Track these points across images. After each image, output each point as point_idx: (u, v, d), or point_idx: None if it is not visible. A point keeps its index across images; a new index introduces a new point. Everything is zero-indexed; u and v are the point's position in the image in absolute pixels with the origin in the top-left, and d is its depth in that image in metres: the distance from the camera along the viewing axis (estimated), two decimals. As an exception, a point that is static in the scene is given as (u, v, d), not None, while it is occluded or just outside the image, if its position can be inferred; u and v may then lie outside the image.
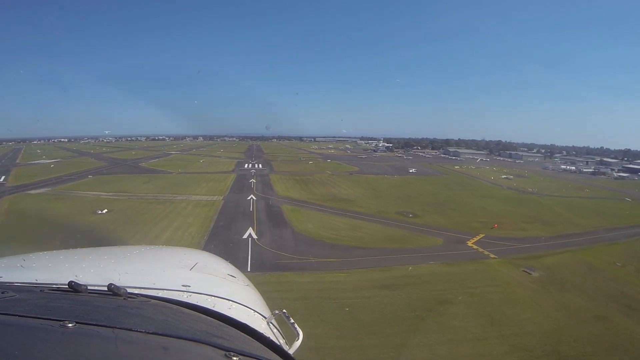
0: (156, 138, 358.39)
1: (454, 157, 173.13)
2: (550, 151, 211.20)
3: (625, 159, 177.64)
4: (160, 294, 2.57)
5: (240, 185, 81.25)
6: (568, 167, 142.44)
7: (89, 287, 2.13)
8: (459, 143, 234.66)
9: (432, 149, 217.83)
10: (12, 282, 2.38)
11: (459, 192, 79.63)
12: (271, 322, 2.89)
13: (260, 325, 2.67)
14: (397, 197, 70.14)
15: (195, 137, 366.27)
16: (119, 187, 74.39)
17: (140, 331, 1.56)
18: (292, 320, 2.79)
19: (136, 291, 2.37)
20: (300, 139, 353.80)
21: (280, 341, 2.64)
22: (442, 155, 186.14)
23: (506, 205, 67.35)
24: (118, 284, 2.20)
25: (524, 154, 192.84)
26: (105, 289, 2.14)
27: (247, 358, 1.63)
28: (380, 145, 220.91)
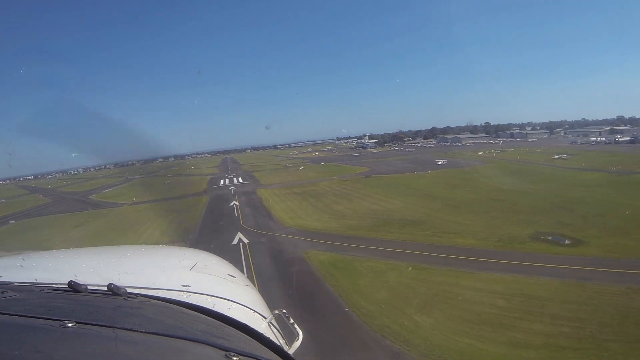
0: (126, 164, 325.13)
1: (457, 144, 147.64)
2: (549, 127, 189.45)
3: (628, 125, 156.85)
4: (160, 294, 2.40)
5: (218, 214, 49.85)
6: (599, 138, 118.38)
7: (88, 287, 2.02)
8: (447, 130, 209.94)
9: (425, 138, 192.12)
10: (12, 282, 2.25)
11: (548, 184, 51.19)
12: (271, 323, 2.73)
13: (260, 325, 2.53)
14: (482, 204, 40.74)
15: (167, 158, 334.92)
16: (32, 240, 46.66)
17: (140, 331, 1.49)
18: (292, 321, 2.68)
19: (136, 291, 2.22)
20: (275, 146, 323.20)
21: (280, 341, 2.51)
22: (442, 143, 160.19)
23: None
24: (118, 283, 2.08)
25: (528, 132, 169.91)
26: (105, 288, 2.03)
27: (247, 358, 1.56)
28: (367, 141, 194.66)
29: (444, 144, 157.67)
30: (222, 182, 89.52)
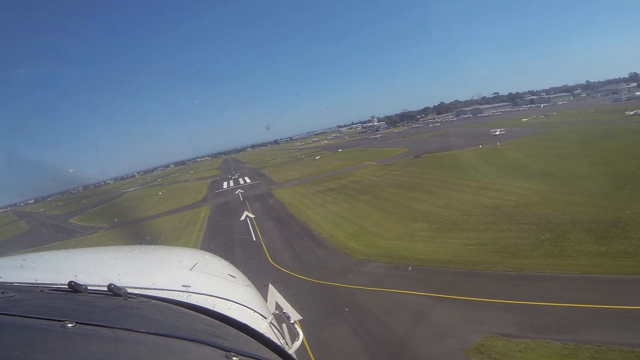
0: (124, 177, 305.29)
1: (480, 115, 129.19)
2: (565, 90, 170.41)
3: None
4: (160, 294, 2.35)
5: (223, 238, 30.79)
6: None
7: (89, 287, 1.98)
8: (456, 104, 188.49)
9: (438, 114, 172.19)
10: (12, 282, 2.19)
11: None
12: (271, 323, 2.66)
13: (261, 325, 2.47)
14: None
15: (167, 166, 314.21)
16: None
17: (140, 331, 1.46)
18: (292, 321, 2.66)
19: (136, 291, 2.17)
20: (276, 141, 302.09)
21: (281, 341, 2.45)
22: (462, 116, 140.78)
23: None
24: (118, 284, 2.04)
25: (551, 96, 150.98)
26: (106, 289, 1.99)
27: (248, 358, 1.53)
28: (377, 123, 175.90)
29: (464, 117, 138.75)
30: (225, 185, 70.81)
